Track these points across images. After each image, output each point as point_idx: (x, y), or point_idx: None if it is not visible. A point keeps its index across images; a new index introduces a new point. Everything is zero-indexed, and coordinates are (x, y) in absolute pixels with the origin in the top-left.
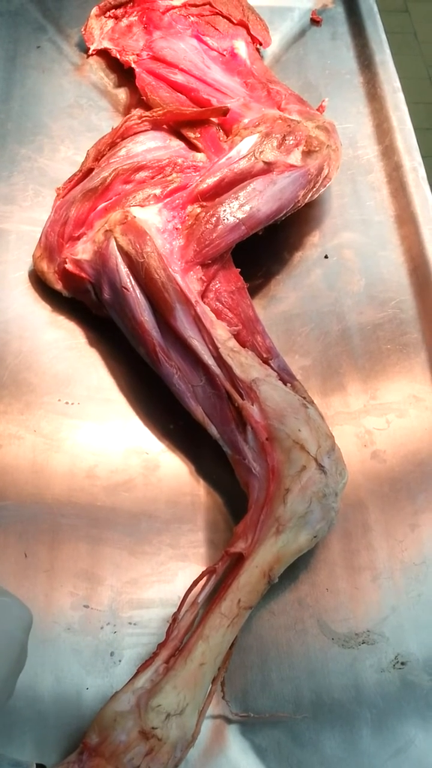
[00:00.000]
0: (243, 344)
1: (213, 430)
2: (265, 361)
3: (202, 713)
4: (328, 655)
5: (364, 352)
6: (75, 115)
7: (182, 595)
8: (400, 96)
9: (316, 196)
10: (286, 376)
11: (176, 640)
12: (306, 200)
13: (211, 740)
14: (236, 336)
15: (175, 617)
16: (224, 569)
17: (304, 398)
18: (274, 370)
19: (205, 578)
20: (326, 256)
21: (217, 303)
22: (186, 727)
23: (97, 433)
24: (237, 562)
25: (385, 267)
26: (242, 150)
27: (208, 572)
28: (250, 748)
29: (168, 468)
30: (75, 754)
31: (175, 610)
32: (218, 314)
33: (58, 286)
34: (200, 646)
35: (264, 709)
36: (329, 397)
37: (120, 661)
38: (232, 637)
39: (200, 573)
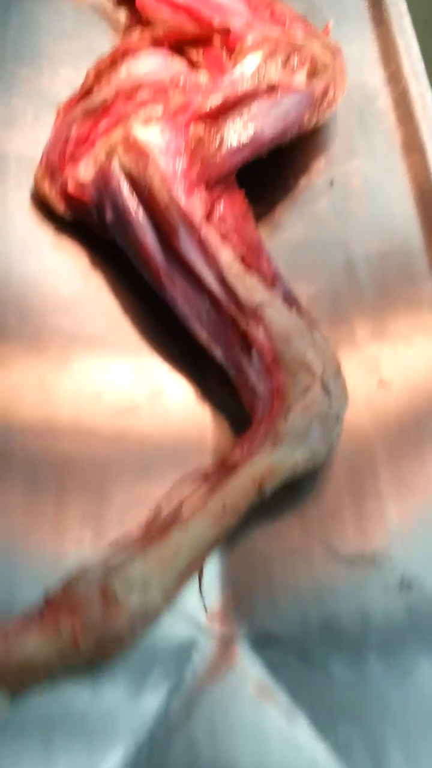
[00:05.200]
0: (248, 268)
1: (218, 353)
2: (270, 286)
3: (168, 598)
4: (334, 578)
5: (370, 282)
6: (74, 38)
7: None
8: (407, 20)
9: (321, 120)
10: (291, 301)
11: (155, 530)
12: (311, 125)
13: (218, 654)
14: (241, 260)
15: (158, 511)
16: (217, 477)
17: (310, 322)
18: (279, 295)
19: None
20: (332, 183)
21: (222, 227)
22: (147, 603)
23: (102, 357)
24: (231, 470)
25: (392, 196)
26: (245, 70)
27: (198, 472)
28: (258, 663)
29: (174, 392)
30: (35, 606)
31: None
32: (222, 238)
33: (61, 208)
34: (177, 534)
35: (272, 628)
36: (334, 326)
37: None
38: (213, 536)
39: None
